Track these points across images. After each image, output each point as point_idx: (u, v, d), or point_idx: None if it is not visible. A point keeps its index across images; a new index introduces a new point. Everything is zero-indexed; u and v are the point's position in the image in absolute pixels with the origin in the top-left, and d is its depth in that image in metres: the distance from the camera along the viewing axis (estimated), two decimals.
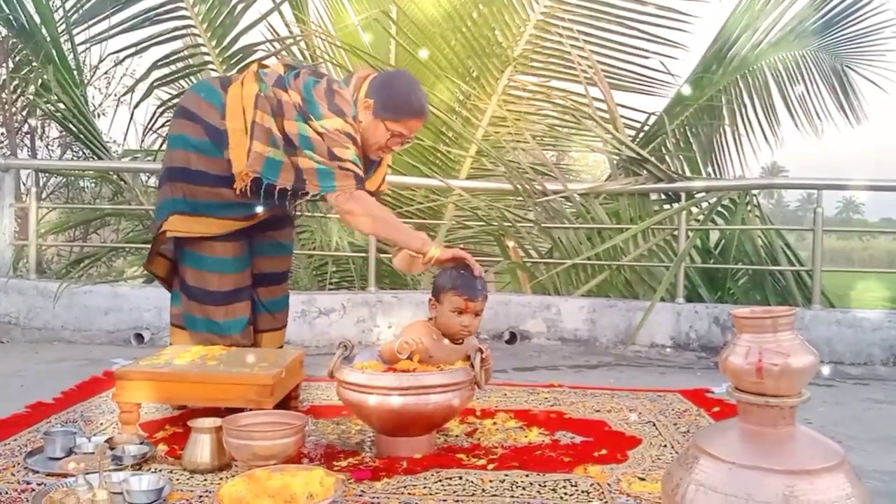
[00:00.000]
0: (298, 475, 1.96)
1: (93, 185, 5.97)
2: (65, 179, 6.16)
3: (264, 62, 2.86)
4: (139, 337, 4.26)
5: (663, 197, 4.95)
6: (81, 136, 5.40)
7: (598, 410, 3.00)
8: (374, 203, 2.64)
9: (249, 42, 5.74)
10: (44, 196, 6.40)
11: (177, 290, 2.92)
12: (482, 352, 2.40)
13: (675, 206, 4.66)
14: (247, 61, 5.28)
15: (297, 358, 2.77)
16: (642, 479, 2.18)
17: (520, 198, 4.96)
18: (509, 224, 4.92)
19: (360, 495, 2.03)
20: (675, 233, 4.60)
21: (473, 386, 2.41)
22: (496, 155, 5.25)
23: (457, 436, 2.60)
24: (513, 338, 4.60)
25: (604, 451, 2.43)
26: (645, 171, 4.77)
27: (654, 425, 2.79)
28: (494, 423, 2.74)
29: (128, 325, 4.33)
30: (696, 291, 4.67)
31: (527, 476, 2.19)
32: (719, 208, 4.77)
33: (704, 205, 4.74)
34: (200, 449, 2.19)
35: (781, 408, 1.49)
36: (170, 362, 2.55)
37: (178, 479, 2.12)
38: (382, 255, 4.85)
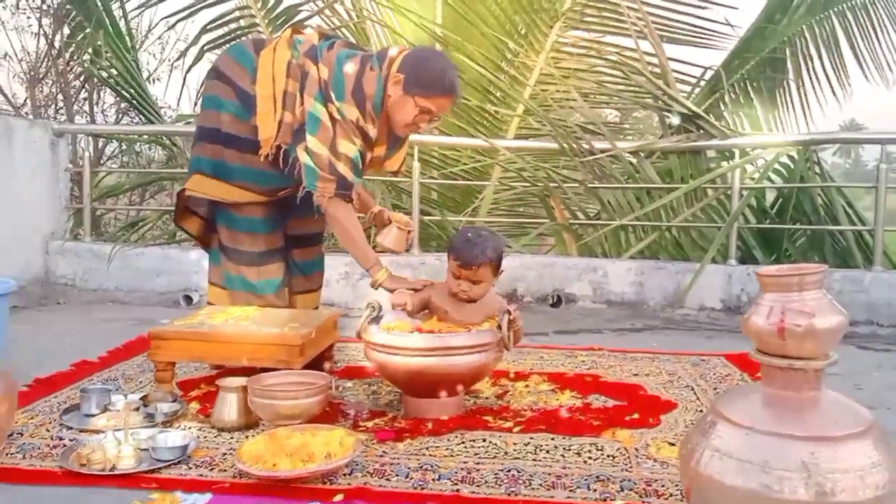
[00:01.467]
0: (319, 434, 1.97)
1: (148, 150, 6.10)
2: (122, 145, 6.31)
3: (301, 27, 2.82)
4: (188, 298, 4.36)
5: (717, 155, 4.76)
6: (134, 101, 5.51)
7: (636, 374, 2.93)
8: (343, 214, 2.61)
9: (295, 2, 5.71)
10: (103, 162, 6.60)
11: (215, 248, 2.96)
12: (510, 313, 2.35)
13: (729, 163, 4.47)
14: (289, 24, 5.26)
15: (330, 318, 2.78)
16: (672, 445, 2.11)
17: (567, 158, 4.84)
18: (555, 185, 4.82)
19: (381, 455, 2.02)
20: (729, 192, 4.42)
21: (501, 348, 2.37)
22: (542, 114, 5.13)
23: (487, 398, 2.57)
24: (558, 301, 4.53)
25: (636, 416, 2.37)
26: (697, 128, 4.59)
27: (693, 389, 2.71)
28: (527, 386, 2.70)
29: (178, 286, 4.43)
30: (750, 253, 4.50)
31: (552, 439, 2.15)
32: (777, 166, 4.56)
33: (760, 162, 4.54)
34: (228, 408, 2.22)
35: (805, 371, 1.40)
36: (204, 322, 2.58)
37: (205, 437, 2.15)
38: (426, 218, 4.82)
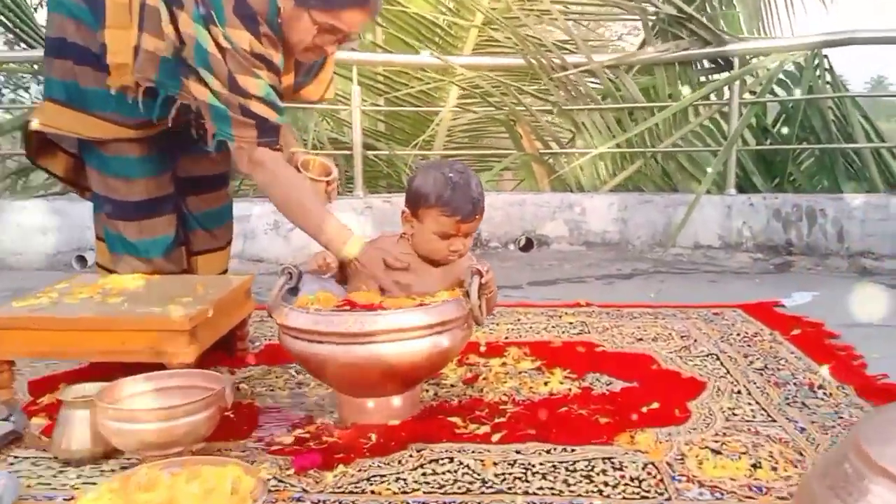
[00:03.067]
0: (201, 476, 1.29)
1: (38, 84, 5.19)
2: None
3: None
4: (82, 260, 3.59)
5: (710, 66, 4.07)
6: (17, 29, 4.59)
7: (640, 339, 2.30)
8: (281, 170, 1.87)
9: None
10: None
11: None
12: (481, 275, 1.67)
13: (725, 75, 3.81)
14: None
15: (240, 287, 2.08)
16: (717, 454, 1.49)
17: (536, 77, 4.12)
18: (523, 108, 4.11)
19: (299, 500, 1.35)
20: (725, 109, 3.76)
21: (470, 323, 1.70)
22: (506, 24, 4.36)
23: (452, 385, 1.91)
24: (528, 244, 3.89)
25: (655, 405, 1.74)
26: (690, 34, 3.88)
27: (717, 358, 2.09)
28: (504, 365, 2.06)
29: (70, 246, 3.65)
30: (748, 180, 3.88)
31: (548, 453, 1.51)
32: (780, 75, 3.90)
33: (762, 73, 3.87)
34: (75, 431, 1.52)
35: None
36: (58, 301, 1.86)
37: (40, 476, 1.46)
38: (371, 153, 4.09)
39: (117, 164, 2.08)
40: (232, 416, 1.68)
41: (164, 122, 2.01)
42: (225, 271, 2.36)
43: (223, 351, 2.16)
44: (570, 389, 1.86)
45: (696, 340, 2.28)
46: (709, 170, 3.59)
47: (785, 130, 3.87)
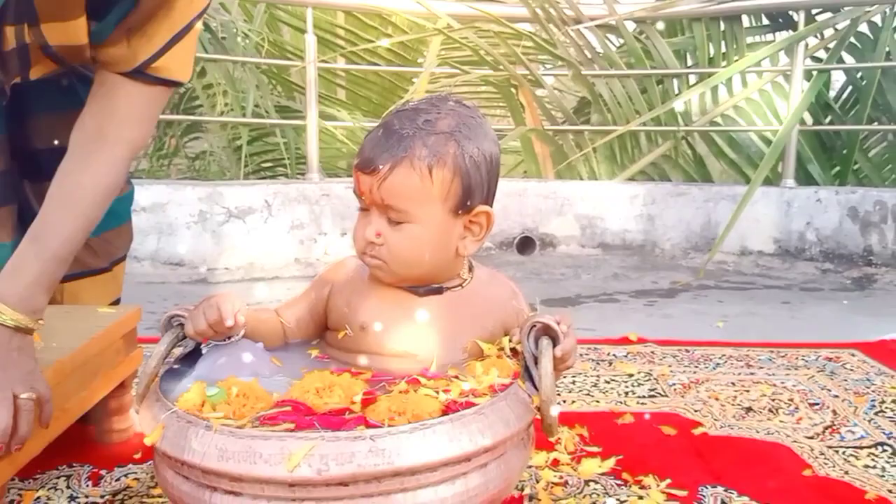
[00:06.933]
0: None
1: None
2: None
3: None
4: None
5: (765, 23, 3.28)
6: None
7: (749, 408, 1.50)
8: None
9: None
10: None
11: None
12: (557, 338, 0.84)
13: (785, 35, 3.04)
14: None
15: (112, 332, 1.24)
16: None
17: (542, 34, 3.29)
18: (525, 71, 3.27)
19: None
20: (779, 78, 3.00)
21: (532, 435, 0.88)
22: None
23: None
24: (526, 243, 3.08)
25: None
26: None
27: (886, 451, 1.30)
28: (556, 466, 1.23)
29: None
30: (803, 168, 3.13)
31: None
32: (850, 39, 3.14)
33: (829, 32, 3.10)
34: None
35: None
36: None
37: None
38: (330, 124, 3.21)
39: None
40: None
41: None
42: (116, 301, 1.48)
43: (93, 427, 1.31)
44: None
45: (826, 406, 1.49)
46: (765, 151, 2.81)
47: (850, 108, 3.12)
